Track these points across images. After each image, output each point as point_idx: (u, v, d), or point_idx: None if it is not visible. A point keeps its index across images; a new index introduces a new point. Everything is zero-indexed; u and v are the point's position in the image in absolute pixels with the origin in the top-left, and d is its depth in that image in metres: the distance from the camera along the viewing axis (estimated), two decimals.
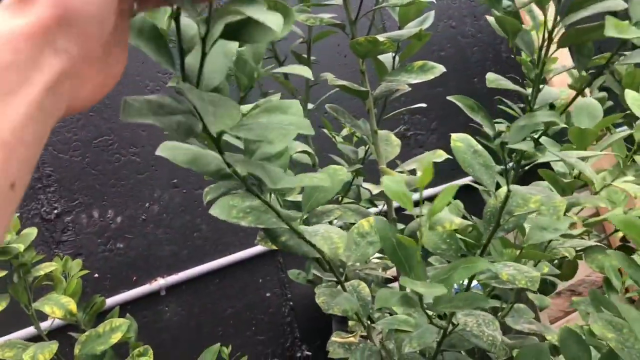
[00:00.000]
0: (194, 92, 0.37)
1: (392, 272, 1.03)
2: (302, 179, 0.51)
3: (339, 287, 0.73)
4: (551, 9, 0.54)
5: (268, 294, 1.54)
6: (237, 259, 1.43)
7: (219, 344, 0.88)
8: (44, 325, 1.21)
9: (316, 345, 1.63)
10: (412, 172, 0.84)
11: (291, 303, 1.58)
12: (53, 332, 1.18)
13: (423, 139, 1.74)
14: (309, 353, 1.61)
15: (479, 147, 0.66)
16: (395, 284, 1.03)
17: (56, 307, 0.77)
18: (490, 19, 0.68)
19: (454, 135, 0.66)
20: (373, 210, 1.01)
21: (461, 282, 0.60)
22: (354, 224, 0.71)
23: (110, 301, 1.28)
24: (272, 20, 0.31)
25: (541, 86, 0.59)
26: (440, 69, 0.80)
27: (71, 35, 0.30)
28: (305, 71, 0.57)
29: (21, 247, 0.80)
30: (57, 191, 1.27)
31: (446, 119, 1.73)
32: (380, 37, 0.74)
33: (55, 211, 1.27)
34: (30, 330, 1.19)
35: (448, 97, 0.64)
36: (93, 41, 0.31)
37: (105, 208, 1.32)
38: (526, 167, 0.65)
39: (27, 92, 0.28)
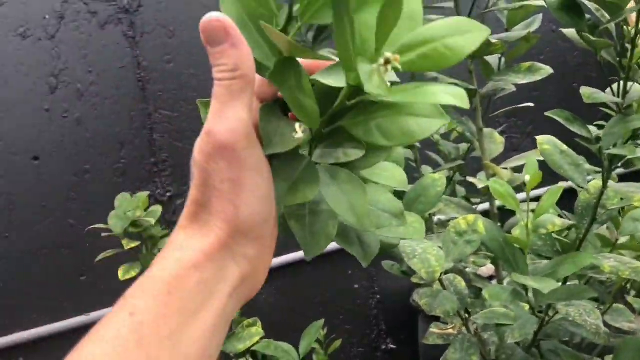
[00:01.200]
0: None
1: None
2: (401, 232, 0.53)
3: (437, 285, 0.76)
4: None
5: (356, 286, 1.60)
6: (329, 250, 1.49)
7: (322, 319, 0.94)
8: None
9: (401, 339, 1.66)
10: (513, 169, 0.86)
11: (378, 296, 1.62)
12: None
13: (517, 142, 1.74)
14: (394, 347, 1.65)
15: (565, 147, 0.68)
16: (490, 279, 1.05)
17: None
18: (568, 32, 0.70)
19: (539, 139, 0.68)
20: (475, 207, 1.03)
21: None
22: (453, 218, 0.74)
23: None
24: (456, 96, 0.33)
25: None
26: (547, 70, 0.82)
27: (246, 241, 0.33)
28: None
29: (151, 221, 0.89)
30: (171, 175, 1.38)
31: (542, 123, 1.71)
32: (492, 39, 0.77)
33: (169, 194, 1.38)
34: None
35: (547, 114, 0.66)
36: (265, 238, 0.35)
37: None
38: (627, 170, 0.66)
39: (212, 305, 0.31)
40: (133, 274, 0.87)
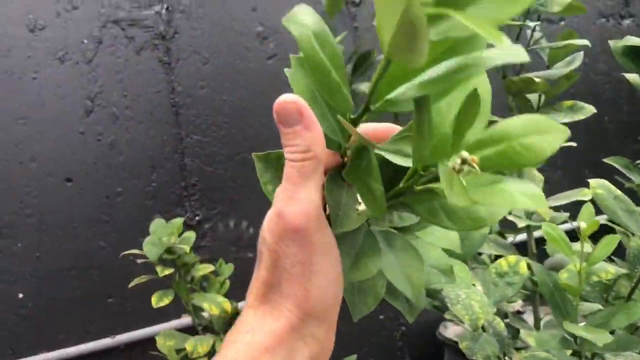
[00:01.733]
0: None
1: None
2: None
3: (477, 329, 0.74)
4: None
5: (381, 317, 1.58)
6: None
7: (355, 355, 0.93)
8: (176, 322, 1.32)
9: None
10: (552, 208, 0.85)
11: (403, 328, 1.60)
12: (185, 329, 1.29)
13: (548, 175, 1.72)
14: None
15: (619, 192, 0.67)
16: (524, 316, 1.03)
17: (214, 305, 0.86)
18: (631, 76, 0.70)
19: (592, 182, 0.67)
20: (510, 240, 1.02)
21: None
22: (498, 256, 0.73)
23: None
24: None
25: None
26: (590, 109, 0.81)
27: (317, 323, 0.33)
28: None
29: (186, 248, 0.89)
30: (200, 200, 1.39)
31: (572, 156, 1.70)
32: (535, 78, 0.76)
33: (197, 218, 1.39)
34: (168, 323, 1.30)
35: (605, 160, 0.65)
36: (334, 316, 0.35)
37: (240, 218, 1.42)
38: None
39: None
40: (166, 301, 0.87)
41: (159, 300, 0.87)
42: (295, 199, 0.33)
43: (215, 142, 1.40)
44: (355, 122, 0.35)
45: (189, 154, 1.37)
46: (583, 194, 0.81)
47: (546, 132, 0.33)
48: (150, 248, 0.88)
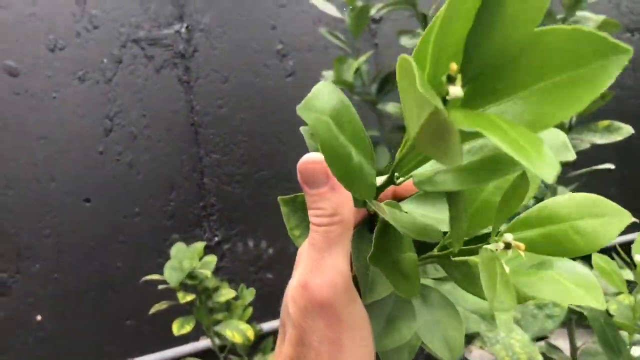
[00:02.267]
0: None
1: None
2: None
3: None
4: None
5: None
6: None
7: None
8: (193, 346, 1.29)
9: None
10: None
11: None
12: (204, 352, 1.26)
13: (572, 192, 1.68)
14: None
15: None
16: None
17: (236, 332, 0.83)
18: None
19: None
20: None
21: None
22: None
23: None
24: None
25: None
26: (627, 129, 0.78)
27: None
28: None
29: (207, 273, 0.87)
30: (219, 220, 1.37)
31: (603, 178, 1.66)
32: None
33: (216, 238, 1.37)
34: (186, 346, 1.28)
35: None
36: None
37: (259, 238, 1.40)
38: None
39: None
40: (188, 328, 0.85)
41: (181, 327, 0.85)
42: (320, 268, 0.30)
43: (234, 160, 1.38)
44: (377, 192, 0.32)
45: (208, 173, 1.36)
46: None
47: (604, 215, 0.29)
48: (171, 273, 0.86)
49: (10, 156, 1.19)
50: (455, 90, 0.24)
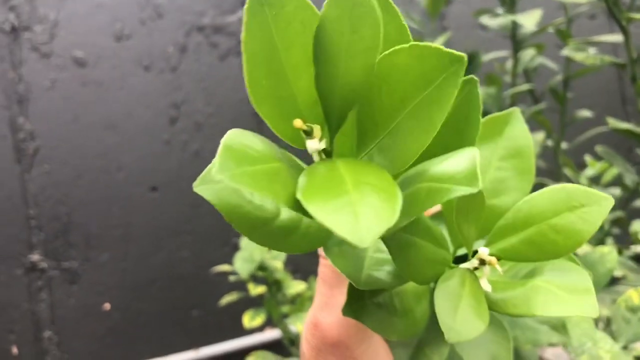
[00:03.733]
0: None
1: None
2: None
3: None
4: None
5: None
6: None
7: None
8: (261, 337, 1.28)
9: None
10: None
11: None
12: (271, 343, 1.25)
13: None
14: None
15: None
16: None
17: None
18: None
19: None
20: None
21: None
22: None
23: None
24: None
25: None
26: None
27: None
28: None
29: (278, 264, 0.84)
30: None
31: None
32: None
33: None
34: (253, 337, 1.26)
35: None
36: None
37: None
38: None
39: None
40: (259, 320, 0.82)
41: (252, 319, 0.83)
42: (331, 305, 0.28)
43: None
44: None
45: None
46: None
47: (581, 207, 0.25)
48: (242, 264, 0.84)
49: (80, 147, 1.20)
50: (312, 145, 0.23)
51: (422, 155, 0.26)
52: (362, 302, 0.28)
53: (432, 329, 0.32)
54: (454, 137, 0.27)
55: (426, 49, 0.21)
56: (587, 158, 0.93)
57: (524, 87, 0.73)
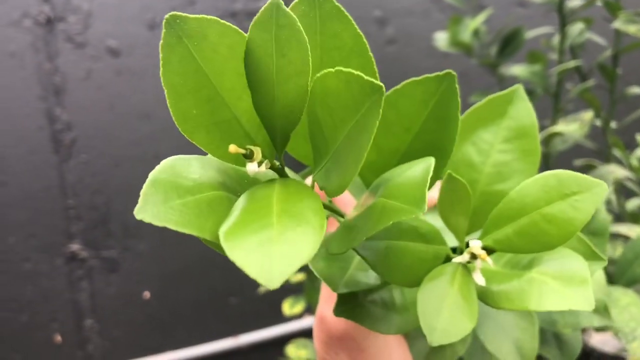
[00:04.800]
0: None
1: None
2: None
3: None
4: None
5: None
6: None
7: None
8: (299, 324, 1.27)
9: None
10: None
11: None
12: (309, 330, 1.24)
13: None
14: None
15: None
16: None
17: None
18: None
19: None
20: None
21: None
22: None
23: None
24: None
25: None
26: None
27: None
28: None
29: None
30: None
31: None
32: None
33: None
34: (291, 324, 1.26)
35: None
36: None
37: None
38: None
39: None
40: (299, 308, 0.81)
41: (291, 307, 0.82)
42: (335, 298, 0.28)
43: None
44: None
45: None
46: None
47: (573, 194, 0.24)
48: None
49: (116, 136, 1.21)
50: (252, 167, 0.24)
51: (402, 157, 0.26)
52: (355, 301, 0.28)
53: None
54: (433, 136, 0.26)
55: (350, 75, 0.20)
56: (638, 137, 0.89)
57: (572, 63, 0.70)
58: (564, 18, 0.73)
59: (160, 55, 0.23)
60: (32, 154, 1.17)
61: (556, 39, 0.76)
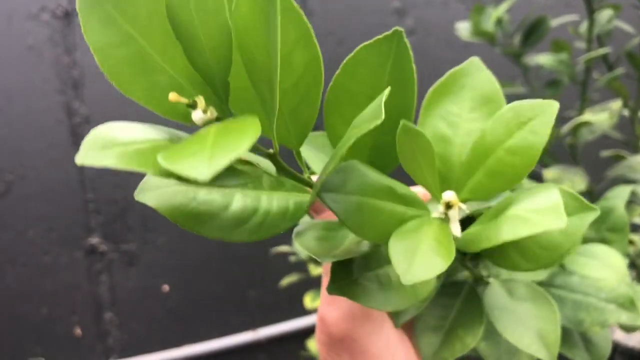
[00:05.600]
0: None
1: None
2: None
3: None
4: None
5: None
6: None
7: None
8: (313, 319, 1.26)
9: None
10: None
11: None
12: None
13: None
14: None
15: None
16: None
17: None
18: None
19: None
20: None
21: None
22: None
23: None
24: None
25: None
26: None
27: None
28: None
29: None
30: None
31: None
32: None
33: None
34: (310, 317, 1.25)
35: None
36: None
37: None
38: None
39: None
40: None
41: (313, 301, 0.81)
42: (335, 298, 0.27)
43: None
44: None
45: None
46: None
47: (529, 121, 0.24)
48: None
49: None
50: (197, 115, 0.24)
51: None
52: (349, 277, 0.27)
53: (468, 309, 0.31)
54: (396, 100, 0.27)
55: None
56: None
57: (602, 51, 0.68)
58: (591, 4, 0.71)
59: (80, 20, 0.23)
60: (51, 148, 1.17)
61: (584, 27, 0.74)
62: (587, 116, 0.63)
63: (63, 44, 1.18)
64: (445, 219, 0.26)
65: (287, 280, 0.86)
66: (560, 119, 0.79)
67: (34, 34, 1.16)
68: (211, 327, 1.26)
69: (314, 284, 0.87)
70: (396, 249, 0.22)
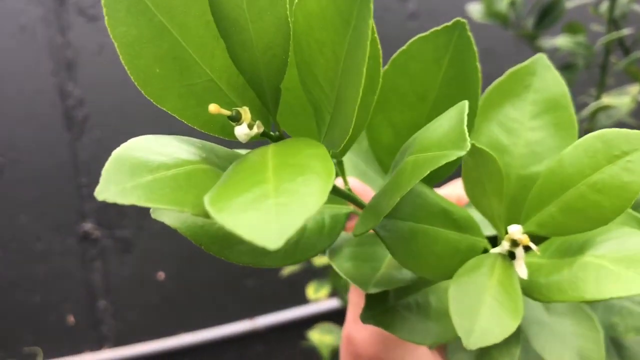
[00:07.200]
0: None
1: None
2: None
3: None
4: None
5: None
6: None
7: None
8: (317, 307, 1.24)
9: None
10: None
11: None
12: (329, 313, 1.21)
13: None
14: None
15: None
16: None
17: None
18: None
19: None
20: None
21: None
22: None
23: None
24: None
25: None
26: None
27: None
28: None
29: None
30: None
31: None
32: None
33: None
34: (308, 307, 1.23)
35: None
36: None
37: None
38: None
39: None
40: (324, 292, 0.78)
41: (316, 290, 0.79)
42: None
43: None
44: None
45: None
46: None
47: (624, 155, 0.20)
48: None
49: (130, 113, 1.17)
50: (241, 130, 0.20)
51: (421, 124, 0.22)
52: (385, 305, 0.24)
53: None
54: (453, 101, 0.23)
55: None
56: None
57: (622, 32, 0.65)
58: None
59: (104, 9, 0.19)
60: (44, 131, 1.14)
61: (604, 7, 0.72)
62: (608, 100, 0.60)
63: (56, 24, 1.14)
64: (508, 256, 0.23)
65: (289, 269, 0.83)
66: (577, 105, 0.76)
67: (26, 13, 1.12)
68: (207, 316, 1.24)
69: (315, 272, 0.85)
70: (457, 301, 0.20)
